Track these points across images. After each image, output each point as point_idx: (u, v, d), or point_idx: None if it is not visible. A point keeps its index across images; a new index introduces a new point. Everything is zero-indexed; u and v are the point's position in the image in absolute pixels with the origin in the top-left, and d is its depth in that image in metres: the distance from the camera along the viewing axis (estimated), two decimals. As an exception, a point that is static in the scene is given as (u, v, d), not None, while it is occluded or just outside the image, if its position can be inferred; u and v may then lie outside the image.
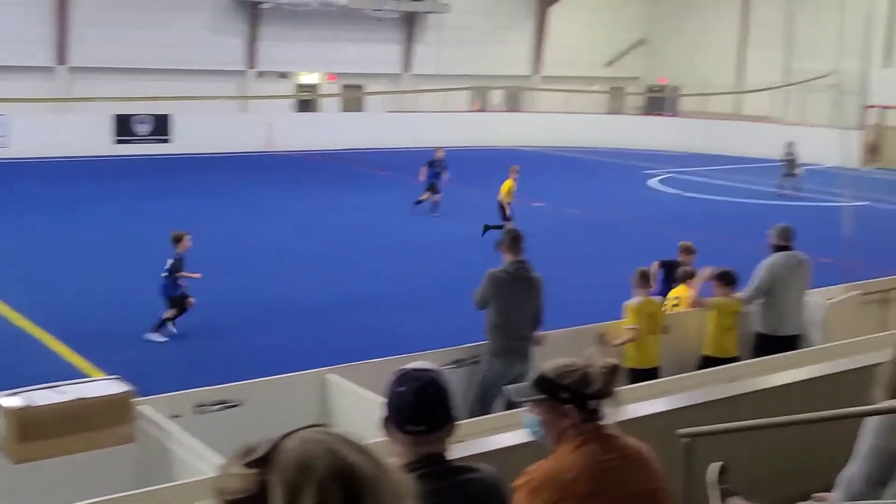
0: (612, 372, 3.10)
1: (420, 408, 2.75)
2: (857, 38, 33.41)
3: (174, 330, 11.70)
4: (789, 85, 29.09)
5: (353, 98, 37.74)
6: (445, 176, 21.74)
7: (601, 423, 3.09)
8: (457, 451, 4.85)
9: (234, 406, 6.15)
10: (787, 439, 5.55)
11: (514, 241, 7.94)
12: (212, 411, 6.07)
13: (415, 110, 35.94)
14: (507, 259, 7.89)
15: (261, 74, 35.34)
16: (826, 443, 5.16)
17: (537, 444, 3.26)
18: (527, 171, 29.15)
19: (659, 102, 41.28)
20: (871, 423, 3.60)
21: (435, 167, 21.61)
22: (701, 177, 29.15)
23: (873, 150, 33.58)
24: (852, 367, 6.13)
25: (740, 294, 9.11)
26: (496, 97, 41.18)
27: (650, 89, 42.50)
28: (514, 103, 40.72)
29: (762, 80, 35.24)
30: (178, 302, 11.58)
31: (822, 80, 30.37)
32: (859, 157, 32.29)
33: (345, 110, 37.52)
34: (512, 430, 4.63)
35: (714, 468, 4.38)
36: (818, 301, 9.44)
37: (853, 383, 5.04)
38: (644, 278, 8.74)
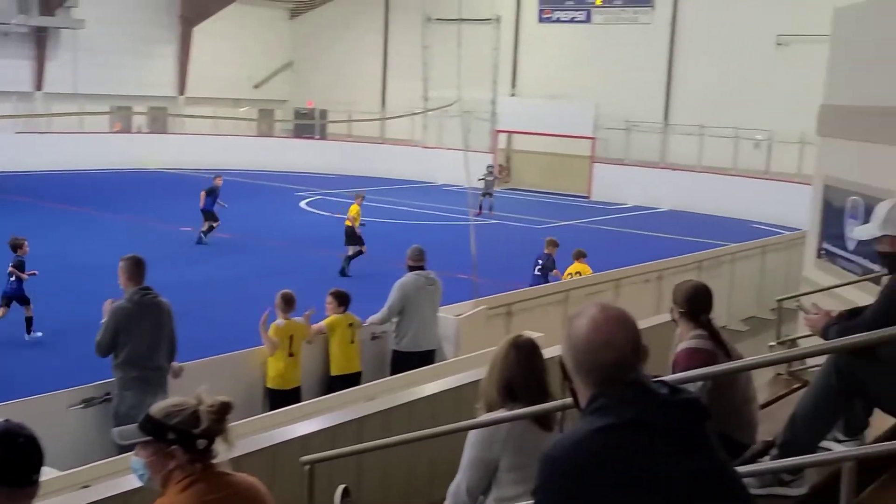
0: (222, 410, 3.04)
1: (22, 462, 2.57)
2: (486, 70, 36.35)
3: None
4: (427, 111, 30.78)
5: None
6: (221, 204, 21.68)
7: (211, 462, 3.02)
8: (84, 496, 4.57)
9: None
10: (415, 454, 5.78)
11: (136, 268, 7.38)
12: None
13: (48, 131, 33.46)
14: (128, 288, 7.34)
15: None
16: (454, 454, 5.46)
17: (146, 487, 3.12)
18: (173, 195, 28.46)
19: (308, 126, 41.86)
20: (471, 437, 3.85)
21: (213, 195, 21.32)
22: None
23: (503, 172, 36.43)
24: (474, 379, 6.53)
25: (375, 315, 9.48)
26: (139, 118, 39.50)
27: (298, 112, 43.00)
28: (158, 125, 39.28)
29: (403, 105, 36.92)
30: (25, 299, 12.89)
31: (456, 106, 32.53)
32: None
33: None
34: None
35: (338, 491, 4.48)
36: (449, 317, 10.01)
37: (475, 396, 5.37)
38: (287, 302, 8.76)
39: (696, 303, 4.76)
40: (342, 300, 9.24)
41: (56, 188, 28.77)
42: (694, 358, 4.49)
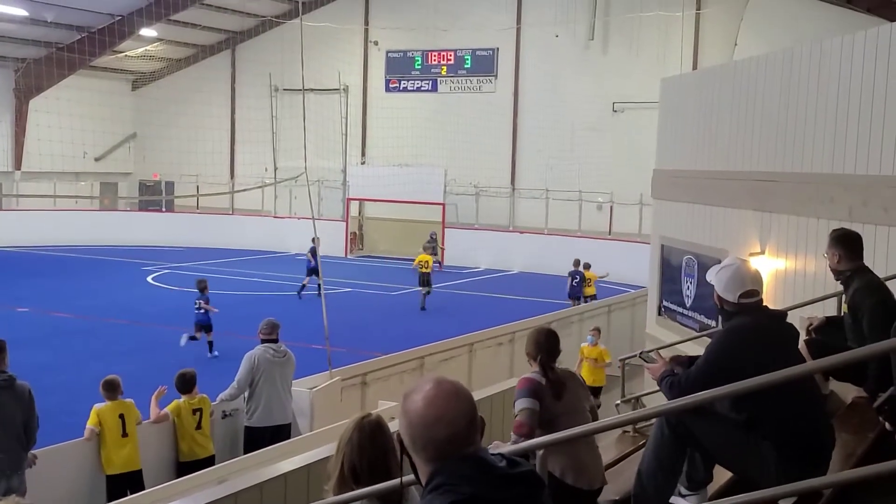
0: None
1: None
2: (336, 139, 36.57)
3: None
4: (276, 183, 30.58)
5: None
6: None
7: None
8: None
9: None
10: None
11: None
12: None
13: None
14: None
15: None
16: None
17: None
18: (7, 275, 27.07)
19: (154, 199, 40.79)
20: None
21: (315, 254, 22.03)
22: (197, 271, 29.21)
23: (355, 240, 36.49)
24: (327, 455, 6.41)
25: (225, 392, 9.24)
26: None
27: (143, 185, 41.90)
28: (-8, 201, 37.43)
29: (252, 174, 36.58)
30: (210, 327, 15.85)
31: (305, 175, 32.51)
32: (345, 247, 34.96)
33: None
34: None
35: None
36: (303, 390, 9.87)
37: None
38: (110, 388, 8.45)
39: (536, 345, 5.20)
40: (184, 385, 8.91)
41: None
42: (524, 383, 5.01)
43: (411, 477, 2.49)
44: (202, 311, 17.54)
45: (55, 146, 34.79)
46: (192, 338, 17.47)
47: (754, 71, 10.35)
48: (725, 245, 10.44)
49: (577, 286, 22.88)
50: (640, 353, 5.33)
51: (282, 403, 9.34)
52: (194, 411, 8.77)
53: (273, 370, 9.26)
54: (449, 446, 2.23)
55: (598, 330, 13.93)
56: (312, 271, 23.35)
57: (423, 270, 23.99)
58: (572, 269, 23.41)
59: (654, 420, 5.88)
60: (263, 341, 9.49)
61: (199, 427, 8.77)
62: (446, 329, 17.65)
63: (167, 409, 8.78)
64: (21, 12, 32.37)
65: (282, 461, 6.94)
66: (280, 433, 9.17)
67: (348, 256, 34.67)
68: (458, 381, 2.38)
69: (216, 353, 17.12)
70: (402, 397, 2.35)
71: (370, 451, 3.82)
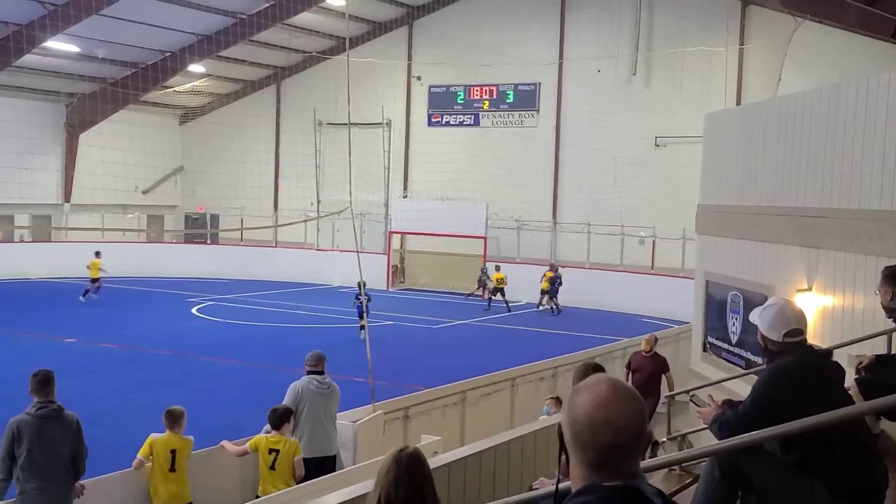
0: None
1: None
2: (378, 172, 36.89)
3: None
4: (319, 217, 30.88)
5: None
6: None
7: None
8: None
9: None
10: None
11: (43, 384, 7.34)
12: None
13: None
14: (34, 400, 7.34)
15: None
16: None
17: None
18: (56, 305, 27.54)
19: (200, 231, 41.36)
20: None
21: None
22: (241, 303, 29.53)
23: (397, 272, 36.65)
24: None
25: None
26: (22, 226, 38.28)
27: (189, 218, 42.51)
28: (42, 233, 38.18)
29: (296, 207, 37.01)
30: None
31: (350, 209, 32.81)
32: (386, 280, 35.12)
33: None
34: None
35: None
36: (346, 423, 9.90)
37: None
38: (171, 418, 8.51)
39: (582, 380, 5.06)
40: (276, 420, 8.70)
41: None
42: None
43: None
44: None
45: (104, 179, 35.49)
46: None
47: (800, 106, 10.31)
48: (772, 281, 10.35)
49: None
50: (691, 396, 5.29)
51: (326, 435, 9.35)
52: (270, 451, 8.60)
53: (317, 401, 9.29)
54: (612, 453, 2.13)
55: (557, 399, 10.85)
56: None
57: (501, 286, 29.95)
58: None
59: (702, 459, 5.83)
60: (309, 372, 9.53)
61: (272, 468, 8.57)
62: (488, 363, 17.63)
63: (248, 445, 8.74)
64: (73, 48, 33.20)
65: (325, 494, 6.96)
66: (324, 465, 9.18)
67: (390, 289, 34.81)
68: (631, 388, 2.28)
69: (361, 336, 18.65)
70: (572, 391, 2.25)
71: (406, 483, 3.86)
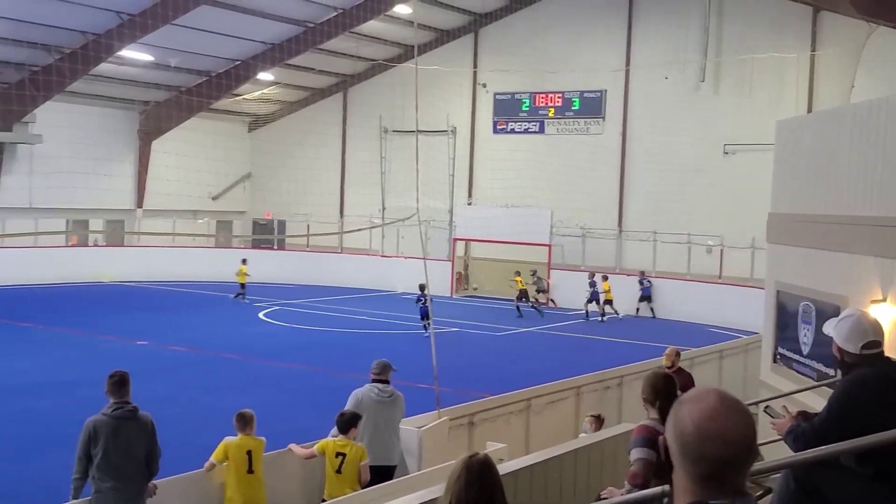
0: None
1: None
2: (443, 179, 36.98)
3: None
4: (384, 224, 31.12)
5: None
6: None
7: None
8: None
9: None
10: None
11: (119, 385, 7.51)
12: None
13: (1, 245, 33.07)
14: (109, 401, 7.52)
15: None
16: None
17: None
18: (129, 308, 28.19)
19: (267, 237, 41.96)
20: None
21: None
22: (307, 308, 29.87)
23: (461, 279, 36.68)
24: (436, 496, 6.45)
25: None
26: (96, 230, 39.29)
27: (256, 223, 43.16)
28: (116, 237, 39.14)
29: (361, 213, 37.31)
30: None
31: (417, 216, 32.99)
32: (450, 286, 35.18)
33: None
34: None
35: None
36: (411, 429, 9.92)
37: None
38: (243, 420, 8.60)
39: (654, 390, 5.17)
40: (343, 425, 8.75)
41: (9, 303, 28.36)
42: (641, 431, 4.96)
43: None
44: (423, 303, 22.87)
45: (175, 185, 36.29)
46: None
47: (876, 112, 10.08)
48: (845, 291, 10.12)
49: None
50: (765, 408, 5.22)
51: (384, 445, 9.28)
52: (337, 454, 8.64)
53: (377, 410, 9.26)
54: (723, 467, 2.06)
55: (596, 418, 10.45)
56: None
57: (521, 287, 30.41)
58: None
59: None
60: (373, 381, 9.54)
61: (339, 471, 8.62)
62: (552, 371, 17.54)
63: (315, 448, 8.84)
64: (147, 57, 34.00)
65: (391, 499, 7.00)
66: (383, 475, 9.09)
67: (454, 296, 34.86)
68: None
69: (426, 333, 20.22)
70: (677, 402, 2.20)
71: (477, 489, 3.87)
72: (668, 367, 12.18)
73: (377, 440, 9.23)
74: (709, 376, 16.77)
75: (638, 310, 31.01)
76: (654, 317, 30.61)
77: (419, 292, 23.93)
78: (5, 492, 10.99)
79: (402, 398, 9.60)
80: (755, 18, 32.45)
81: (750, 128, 31.21)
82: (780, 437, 4.58)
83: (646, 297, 31.09)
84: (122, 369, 7.69)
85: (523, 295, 30.46)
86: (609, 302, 30.03)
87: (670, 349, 12.58)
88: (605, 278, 30.61)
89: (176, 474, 8.38)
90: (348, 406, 9.26)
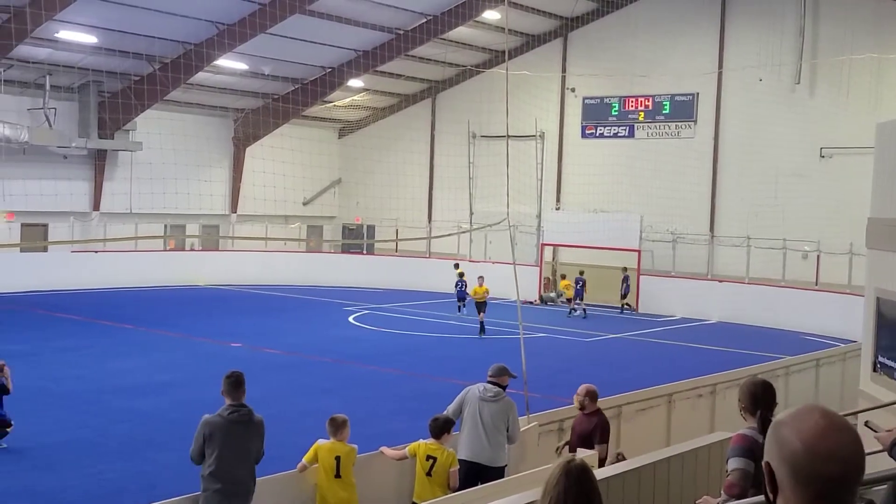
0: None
1: None
2: (531, 184, 36.91)
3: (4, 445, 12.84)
4: (473, 229, 31.23)
5: (34, 237, 35.40)
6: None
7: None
8: None
9: None
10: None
11: (235, 385, 7.73)
12: None
13: (103, 249, 34.33)
14: (225, 402, 7.73)
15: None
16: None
17: None
18: (223, 311, 28.91)
19: (356, 242, 42.54)
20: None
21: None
22: (396, 313, 30.15)
23: (549, 285, 36.51)
24: (527, 502, 6.46)
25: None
26: (192, 234, 40.39)
27: (346, 228, 43.77)
28: (210, 241, 40.19)
29: (449, 218, 37.50)
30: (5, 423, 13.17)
31: (507, 221, 33.00)
32: (538, 292, 35.06)
33: (23, 250, 34.98)
34: None
35: None
36: (501, 433, 9.92)
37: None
38: (334, 425, 8.69)
39: (753, 398, 5.09)
40: (436, 430, 8.88)
41: (111, 306, 29.38)
42: (739, 440, 4.89)
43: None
44: (463, 287, 26.67)
45: (267, 191, 37.06)
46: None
47: (984, 115, 9.72)
48: (951, 300, 9.78)
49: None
50: (866, 422, 5.13)
51: (481, 443, 9.30)
52: (428, 457, 8.73)
53: (480, 407, 9.36)
54: (838, 487, 2.00)
55: (617, 457, 9.49)
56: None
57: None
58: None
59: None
60: (488, 381, 9.66)
61: (429, 474, 8.71)
62: (642, 378, 17.34)
63: (407, 450, 8.95)
64: (242, 66, 34.85)
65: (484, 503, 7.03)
66: (484, 476, 9.07)
67: (536, 303, 34.71)
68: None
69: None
70: (776, 424, 2.12)
71: (575, 494, 3.87)
72: (580, 410, 10.13)
73: (474, 437, 9.34)
74: (805, 385, 16.37)
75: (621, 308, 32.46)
76: (633, 310, 32.64)
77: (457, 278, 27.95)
78: (109, 489, 11.38)
79: (510, 403, 9.60)
80: (852, 18, 31.53)
81: (847, 130, 30.34)
82: (884, 449, 4.48)
83: (626, 294, 32.69)
84: (238, 370, 7.89)
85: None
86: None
87: (581, 387, 10.17)
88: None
89: (272, 474, 8.56)
90: (456, 399, 9.43)
